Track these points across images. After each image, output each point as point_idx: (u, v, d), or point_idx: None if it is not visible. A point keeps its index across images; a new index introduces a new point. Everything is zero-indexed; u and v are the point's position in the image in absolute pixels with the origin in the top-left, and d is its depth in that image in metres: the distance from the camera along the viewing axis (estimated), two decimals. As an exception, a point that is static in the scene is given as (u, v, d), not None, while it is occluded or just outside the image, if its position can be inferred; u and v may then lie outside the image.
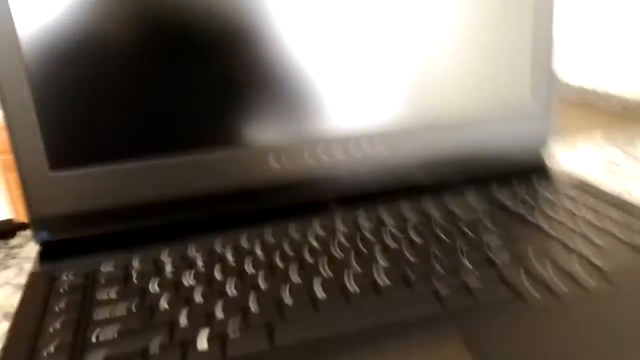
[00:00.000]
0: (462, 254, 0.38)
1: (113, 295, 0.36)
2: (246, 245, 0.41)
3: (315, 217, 0.45)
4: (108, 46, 0.40)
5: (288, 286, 0.35)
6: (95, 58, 0.40)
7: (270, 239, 0.42)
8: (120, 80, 0.41)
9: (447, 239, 0.40)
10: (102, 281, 0.37)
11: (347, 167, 0.48)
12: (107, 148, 0.42)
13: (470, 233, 0.41)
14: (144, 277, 0.38)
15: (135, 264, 0.40)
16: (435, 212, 0.45)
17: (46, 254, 0.42)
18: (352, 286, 0.35)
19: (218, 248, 0.41)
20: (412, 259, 0.38)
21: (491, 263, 0.37)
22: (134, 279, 0.37)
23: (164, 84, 0.42)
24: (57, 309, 0.34)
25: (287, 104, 0.45)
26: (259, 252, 0.40)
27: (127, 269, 0.39)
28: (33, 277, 0.39)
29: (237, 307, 0.33)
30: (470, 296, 0.33)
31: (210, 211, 0.46)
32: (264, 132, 0.45)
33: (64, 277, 0.38)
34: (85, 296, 0.36)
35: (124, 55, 0.41)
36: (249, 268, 0.38)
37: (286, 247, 0.40)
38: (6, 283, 0.44)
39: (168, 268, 0.39)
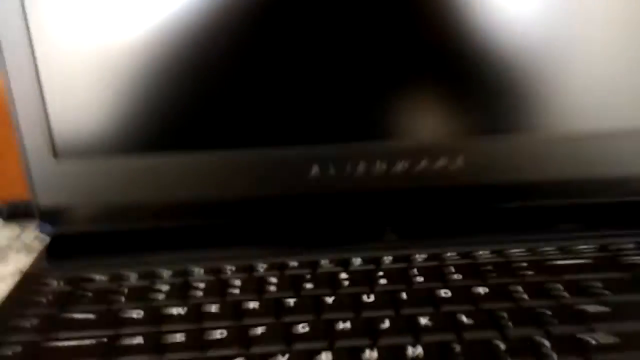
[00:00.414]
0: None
1: (90, 316, 0.30)
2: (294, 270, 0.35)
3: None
4: (125, 31, 0.35)
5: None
6: (111, 41, 0.35)
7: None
8: (137, 68, 0.35)
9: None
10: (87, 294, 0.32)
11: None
12: (120, 139, 0.37)
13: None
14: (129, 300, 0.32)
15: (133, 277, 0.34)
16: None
17: (51, 248, 0.38)
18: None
19: (259, 268, 0.35)
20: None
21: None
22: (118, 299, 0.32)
23: (188, 72, 0.36)
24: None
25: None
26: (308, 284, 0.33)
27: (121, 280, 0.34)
28: (25, 275, 0.35)
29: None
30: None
31: (246, 219, 0.39)
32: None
33: (54, 282, 0.34)
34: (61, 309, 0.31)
35: (143, 39, 0.35)
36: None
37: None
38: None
39: (164, 288, 0.33)
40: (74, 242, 0.39)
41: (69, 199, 0.38)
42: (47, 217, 0.38)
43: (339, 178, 0.38)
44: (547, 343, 0.27)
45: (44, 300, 0.32)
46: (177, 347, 0.28)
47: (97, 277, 0.34)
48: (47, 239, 0.39)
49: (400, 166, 0.38)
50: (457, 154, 0.38)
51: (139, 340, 0.28)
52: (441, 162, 0.38)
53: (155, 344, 0.28)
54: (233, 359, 0.27)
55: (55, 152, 0.37)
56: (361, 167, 0.38)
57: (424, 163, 0.38)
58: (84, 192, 0.37)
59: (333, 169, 0.38)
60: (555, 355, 0.27)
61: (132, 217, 0.38)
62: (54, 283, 0.34)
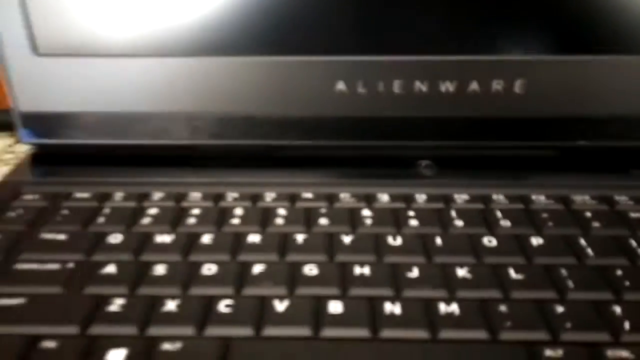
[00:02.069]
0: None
1: (61, 237, 0.26)
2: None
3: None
4: None
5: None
6: None
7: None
8: None
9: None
10: (63, 212, 0.28)
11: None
12: (113, 36, 0.31)
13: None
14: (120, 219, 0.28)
15: (119, 196, 0.30)
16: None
17: (34, 160, 0.34)
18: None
19: (266, 197, 0.30)
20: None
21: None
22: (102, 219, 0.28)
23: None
24: None
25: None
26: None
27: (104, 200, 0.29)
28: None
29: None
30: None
31: (256, 139, 0.34)
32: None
33: (29, 197, 0.30)
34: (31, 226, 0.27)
35: None
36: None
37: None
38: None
39: (152, 211, 0.28)
40: (61, 154, 0.34)
41: (54, 104, 0.33)
42: (30, 124, 0.34)
43: (369, 97, 0.32)
44: (617, 310, 0.22)
45: (13, 215, 0.28)
46: (157, 280, 0.23)
47: (79, 194, 0.30)
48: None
49: (444, 87, 0.32)
50: (516, 77, 0.32)
51: (111, 269, 0.24)
52: (495, 86, 0.32)
53: (131, 275, 0.24)
54: (221, 299, 0.22)
55: (36, 47, 0.31)
56: (396, 86, 0.32)
57: (473, 85, 0.32)
58: (71, 97, 0.33)
59: (362, 85, 0.32)
60: (627, 325, 0.21)
61: (127, 130, 0.33)
62: (30, 197, 0.30)
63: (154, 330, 0.21)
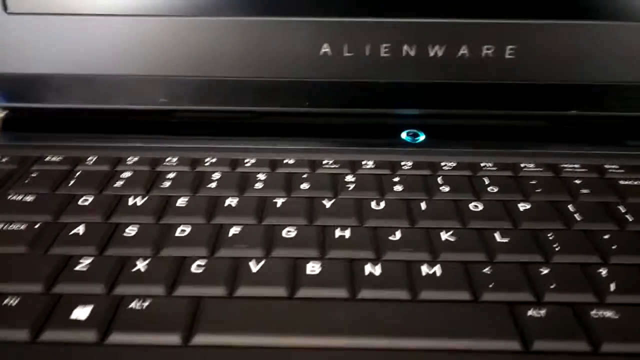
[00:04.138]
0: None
1: (29, 198, 0.26)
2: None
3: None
4: None
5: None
6: None
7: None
8: None
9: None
10: (33, 175, 0.27)
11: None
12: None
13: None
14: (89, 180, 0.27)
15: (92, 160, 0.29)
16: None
17: (6, 123, 0.33)
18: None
19: (245, 162, 0.29)
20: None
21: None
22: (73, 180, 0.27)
23: None
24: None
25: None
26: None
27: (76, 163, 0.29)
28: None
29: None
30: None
31: (236, 103, 0.33)
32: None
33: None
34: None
35: None
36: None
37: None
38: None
39: (126, 174, 0.28)
40: (33, 119, 0.33)
41: (25, 66, 0.32)
42: (2, 85, 0.33)
43: (355, 61, 0.31)
44: (603, 272, 0.22)
45: (-20, 177, 0.27)
46: (127, 241, 0.23)
47: (50, 157, 0.29)
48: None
49: (433, 52, 0.31)
50: (507, 42, 0.31)
51: (80, 229, 0.23)
52: (485, 51, 0.31)
53: (101, 236, 0.23)
54: (195, 261, 0.22)
55: (5, 5, 0.31)
56: (384, 50, 0.31)
57: (463, 50, 0.31)
58: (43, 59, 0.32)
59: (347, 48, 0.31)
60: (612, 287, 0.21)
61: (102, 94, 0.33)
62: (-1, 160, 0.29)
63: (122, 289, 0.21)
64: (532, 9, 0.31)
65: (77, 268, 0.21)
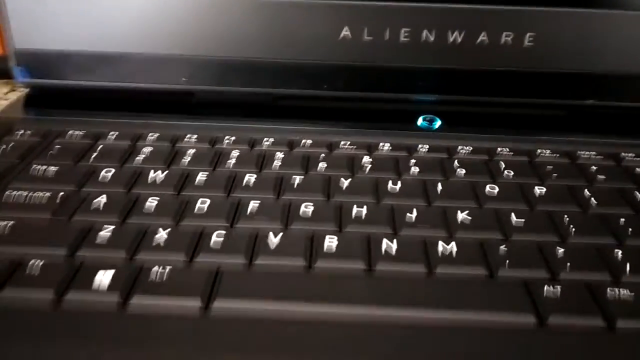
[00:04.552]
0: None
1: (52, 169, 0.26)
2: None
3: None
4: None
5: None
6: None
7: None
8: None
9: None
10: (56, 147, 0.28)
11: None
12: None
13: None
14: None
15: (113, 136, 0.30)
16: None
17: (29, 99, 0.34)
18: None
19: (263, 143, 0.30)
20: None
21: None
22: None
23: None
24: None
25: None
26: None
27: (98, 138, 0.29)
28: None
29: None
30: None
31: (257, 86, 0.34)
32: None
33: (21, 132, 0.29)
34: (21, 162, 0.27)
35: None
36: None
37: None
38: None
39: (146, 149, 0.28)
40: (56, 95, 0.34)
41: (50, 42, 0.33)
42: (25, 62, 0.33)
43: (374, 45, 0.32)
44: (618, 254, 0.22)
45: (5, 147, 0.28)
46: (148, 212, 0.23)
47: (72, 131, 0.30)
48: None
49: (451, 38, 0.32)
50: (526, 29, 0.31)
51: (102, 199, 0.24)
52: (504, 38, 0.32)
53: (122, 206, 0.24)
54: (215, 231, 0.22)
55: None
56: (403, 34, 0.32)
57: (482, 37, 0.32)
58: (68, 36, 0.32)
59: (367, 32, 0.32)
60: (627, 268, 0.21)
61: (124, 72, 0.33)
62: (22, 132, 0.30)
63: (143, 256, 0.21)
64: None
65: (100, 234, 0.22)
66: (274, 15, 0.32)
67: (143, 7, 0.31)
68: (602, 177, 0.27)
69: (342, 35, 0.32)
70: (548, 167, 0.28)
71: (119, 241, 0.22)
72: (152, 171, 0.26)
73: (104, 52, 0.33)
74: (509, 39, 0.32)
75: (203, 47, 0.32)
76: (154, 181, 0.26)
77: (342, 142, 0.30)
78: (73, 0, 0.31)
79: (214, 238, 0.22)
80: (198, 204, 0.24)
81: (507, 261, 0.21)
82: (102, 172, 0.26)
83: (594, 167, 0.28)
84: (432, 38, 0.32)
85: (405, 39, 0.32)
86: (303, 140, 0.30)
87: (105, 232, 0.22)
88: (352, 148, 0.29)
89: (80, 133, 0.30)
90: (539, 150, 0.30)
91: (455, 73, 0.33)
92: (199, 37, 0.32)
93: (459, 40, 0.32)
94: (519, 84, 0.33)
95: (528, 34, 0.31)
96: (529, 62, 0.32)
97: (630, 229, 0.23)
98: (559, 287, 0.20)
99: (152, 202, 0.24)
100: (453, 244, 0.22)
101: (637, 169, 0.28)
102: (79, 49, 0.33)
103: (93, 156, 0.27)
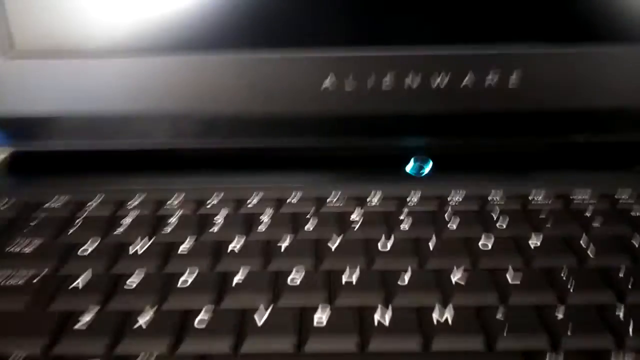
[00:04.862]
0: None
1: (29, 249, 0.25)
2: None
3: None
4: None
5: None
6: None
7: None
8: None
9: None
10: (34, 222, 0.27)
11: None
12: (93, 36, 0.30)
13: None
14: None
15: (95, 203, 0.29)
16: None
17: (10, 165, 0.33)
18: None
19: (249, 201, 0.29)
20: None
21: None
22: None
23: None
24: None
25: None
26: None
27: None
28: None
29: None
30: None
31: (241, 140, 0.33)
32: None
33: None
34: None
35: None
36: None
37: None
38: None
39: (128, 220, 0.27)
40: (35, 159, 0.33)
41: (31, 107, 0.32)
42: (5, 127, 0.33)
43: (358, 93, 0.31)
44: (620, 313, 0.21)
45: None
46: (130, 292, 0.22)
47: (50, 203, 0.29)
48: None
49: (438, 80, 0.31)
50: (512, 69, 0.31)
51: (83, 279, 0.23)
52: (491, 78, 0.31)
53: (105, 285, 0.23)
54: (199, 312, 0.21)
55: (12, 46, 0.30)
56: (388, 80, 0.31)
57: (468, 78, 0.31)
58: (47, 100, 0.32)
59: (351, 81, 0.31)
60: (630, 328, 0.20)
61: (105, 134, 0.32)
62: (-1, 207, 0.29)
63: (124, 346, 0.20)
64: (535, 36, 0.30)
65: (80, 321, 0.21)
66: (255, 68, 0.31)
67: (123, 68, 0.31)
68: (598, 223, 0.26)
69: (323, 86, 0.31)
70: (542, 214, 0.27)
71: (99, 329, 0.21)
72: (135, 242, 0.25)
73: (85, 115, 0.32)
74: (493, 80, 0.31)
75: (187, 104, 0.32)
76: (136, 254, 0.25)
77: (331, 196, 0.29)
78: (50, 65, 0.31)
79: (199, 318, 0.21)
80: (182, 278, 0.23)
81: (506, 329, 0.20)
82: (83, 247, 0.25)
83: (588, 212, 0.27)
84: (416, 83, 0.31)
85: (388, 87, 0.31)
86: (290, 196, 0.29)
87: (86, 318, 0.21)
88: (341, 201, 0.29)
89: (60, 203, 0.29)
90: (531, 195, 0.29)
91: (443, 117, 0.32)
92: (183, 93, 0.31)
93: (444, 83, 0.31)
94: (508, 124, 0.32)
95: (513, 74, 0.31)
96: (517, 102, 0.32)
97: (630, 283, 0.22)
98: (561, 357, 0.19)
99: (134, 280, 0.23)
100: (449, 310, 0.21)
101: (633, 212, 0.27)
102: (59, 113, 0.32)
103: (73, 229, 0.27)
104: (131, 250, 0.25)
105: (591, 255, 0.24)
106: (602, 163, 0.32)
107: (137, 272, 0.24)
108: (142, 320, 0.21)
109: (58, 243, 0.26)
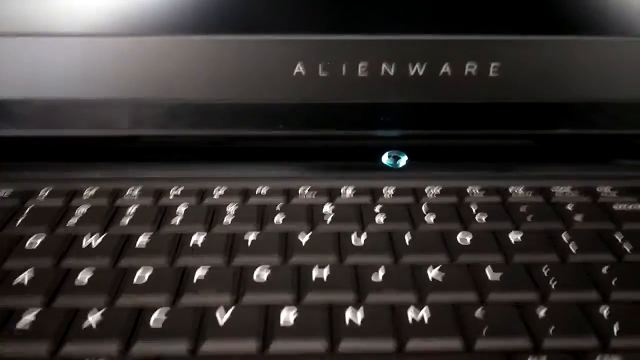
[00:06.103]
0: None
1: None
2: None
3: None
4: None
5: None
6: None
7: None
8: None
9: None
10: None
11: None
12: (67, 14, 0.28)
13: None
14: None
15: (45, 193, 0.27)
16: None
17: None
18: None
19: (214, 193, 0.27)
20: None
21: None
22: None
23: None
24: None
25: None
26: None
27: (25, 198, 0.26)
28: None
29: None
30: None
31: (206, 129, 0.31)
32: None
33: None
34: None
35: None
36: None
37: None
38: None
39: (81, 210, 0.25)
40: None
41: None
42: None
43: (331, 81, 0.30)
44: (603, 311, 0.20)
45: None
46: (79, 288, 0.21)
47: (-3, 192, 0.27)
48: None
49: (413, 71, 0.30)
50: (491, 59, 0.30)
51: (29, 274, 0.21)
52: (468, 69, 0.30)
53: (52, 281, 0.21)
54: (155, 310, 0.20)
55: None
56: (362, 69, 0.30)
57: (445, 68, 0.30)
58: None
59: (323, 68, 0.30)
60: (616, 328, 0.19)
61: (59, 120, 0.30)
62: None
63: (70, 347, 0.18)
64: (515, 25, 0.30)
65: (23, 319, 0.19)
66: (223, 53, 0.29)
67: (80, 48, 0.29)
68: (579, 218, 0.26)
69: (295, 71, 0.30)
70: (522, 208, 0.26)
71: (44, 329, 0.19)
72: (87, 235, 0.24)
73: (37, 99, 0.30)
74: (472, 70, 0.30)
75: (145, 90, 0.30)
76: (89, 247, 0.23)
77: (301, 188, 0.28)
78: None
79: (154, 317, 0.19)
80: (138, 274, 0.21)
81: (485, 329, 0.19)
82: (30, 240, 0.23)
83: (570, 206, 0.27)
84: (392, 71, 0.30)
85: (364, 74, 0.30)
86: (258, 188, 0.27)
87: (30, 317, 0.19)
88: (312, 194, 0.27)
89: (7, 193, 0.27)
90: (511, 188, 0.28)
91: (419, 107, 0.31)
92: (141, 79, 0.30)
93: (421, 72, 0.30)
94: (486, 116, 0.31)
95: (492, 64, 0.30)
96: (495, 93, 0.31)
97: (614, 280, 0.22)
98: (544, 358, 0.18)
99: (84, 275, 0.21)
100: (425, 309, 0.20)
101: (615, 206, 0.27)
102: (9, 96, 0.30)
103: (19, 220, 0.25)
104: (84, 244, 0.23)
105: (573, 251, 0.23)
106: (582, 156, 0.31)
107: (88, 267, 0.22)
108: (92, 319, 0.19)
109: (1, 236, 0.24)
